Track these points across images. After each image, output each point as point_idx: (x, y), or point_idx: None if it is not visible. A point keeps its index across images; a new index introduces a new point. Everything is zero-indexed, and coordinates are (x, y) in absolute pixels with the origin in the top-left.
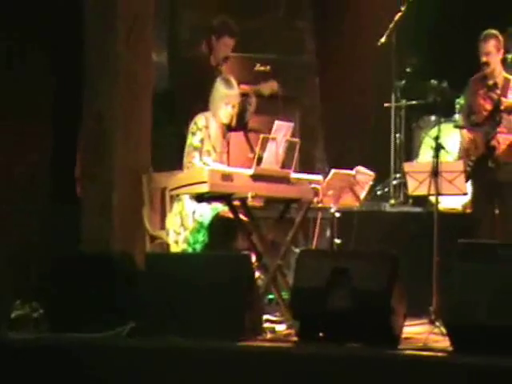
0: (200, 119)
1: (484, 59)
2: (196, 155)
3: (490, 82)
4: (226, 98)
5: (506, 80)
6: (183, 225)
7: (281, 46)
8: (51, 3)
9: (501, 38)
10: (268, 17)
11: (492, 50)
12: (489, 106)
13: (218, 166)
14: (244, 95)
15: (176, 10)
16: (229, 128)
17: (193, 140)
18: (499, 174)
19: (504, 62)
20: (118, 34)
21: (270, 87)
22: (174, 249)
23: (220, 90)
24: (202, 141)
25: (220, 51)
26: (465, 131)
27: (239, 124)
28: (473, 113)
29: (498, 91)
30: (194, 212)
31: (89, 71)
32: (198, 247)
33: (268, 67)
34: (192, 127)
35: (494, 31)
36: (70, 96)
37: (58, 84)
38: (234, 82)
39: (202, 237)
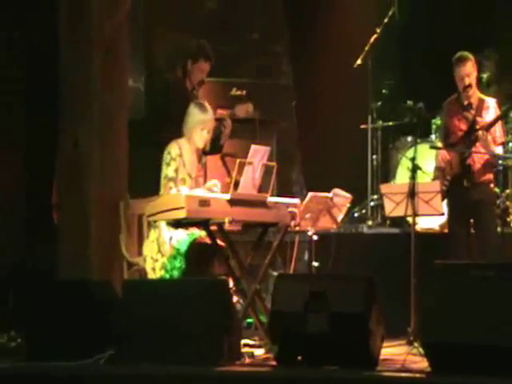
0: (173, 148)
1: (467, 82)
2: (172, 186)
3: (465, 103)
4: (201, 124)
5: (481, 100)
6: (160, 251)
7: (257, 70)
8: (26, 32)
9: (473, 58)
10: (244, 41)
11: (471, 70)
12: (464, 126)
13: (194, 191)
14: (219, 119)
15: (153, 35)
16: (204, 152)
17: (168, 171)
18: (474, 194)
19: (478, 82)
20: (92, 61)
21: (244, 109)
22: (152, 276)
23: (195, 114)
24: (176, 170)
25: (195, 75)
26: (440, 151)
27: (214, 147)
28: (449, 133)
29: (473, 111)
30: (170, 238)
31: (64, 99)
32: (176, 273)
33: (244, 91)
34: (166, 157)
35: (466, 53)
36: (46, 124)
37: (33, 112)
38: (208, 106)
39: (178, 263)
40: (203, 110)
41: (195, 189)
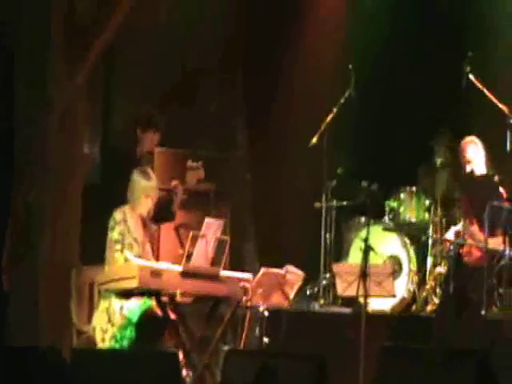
0: (117, 213)
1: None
2: (118, 248)
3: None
4: (145, 191)
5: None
6: (110, 321)
7: (213, 142)
8: None
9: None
10: (200, 111)
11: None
12: None
13: (142, 261)
14: (170, 190)
15: (111, 102)
16: (156, 220)
17: (112, 235)
18: (472, 280)
19: None
20: (48, 127)
21: (196, 175)
22: (101, 347)
23: (140, 182)
24: (121, 234)
25: (145, 145)
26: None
27: (167, 215)
28: None
29: None
30: (121, 308)
31: (18, 162)
32: (126, 343)
33: (200, 163)
34: (110, 222)
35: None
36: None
37: None
38: (151, 173)
39: (129, 333)
40: (147, 177)
41: (142, 255)
